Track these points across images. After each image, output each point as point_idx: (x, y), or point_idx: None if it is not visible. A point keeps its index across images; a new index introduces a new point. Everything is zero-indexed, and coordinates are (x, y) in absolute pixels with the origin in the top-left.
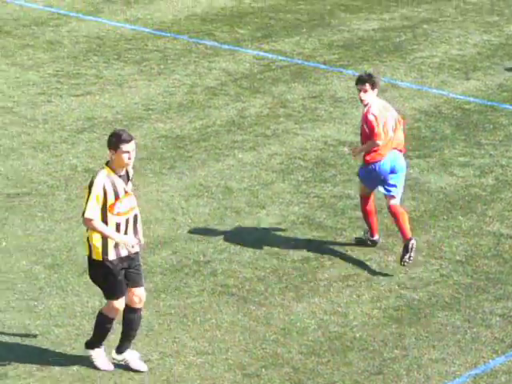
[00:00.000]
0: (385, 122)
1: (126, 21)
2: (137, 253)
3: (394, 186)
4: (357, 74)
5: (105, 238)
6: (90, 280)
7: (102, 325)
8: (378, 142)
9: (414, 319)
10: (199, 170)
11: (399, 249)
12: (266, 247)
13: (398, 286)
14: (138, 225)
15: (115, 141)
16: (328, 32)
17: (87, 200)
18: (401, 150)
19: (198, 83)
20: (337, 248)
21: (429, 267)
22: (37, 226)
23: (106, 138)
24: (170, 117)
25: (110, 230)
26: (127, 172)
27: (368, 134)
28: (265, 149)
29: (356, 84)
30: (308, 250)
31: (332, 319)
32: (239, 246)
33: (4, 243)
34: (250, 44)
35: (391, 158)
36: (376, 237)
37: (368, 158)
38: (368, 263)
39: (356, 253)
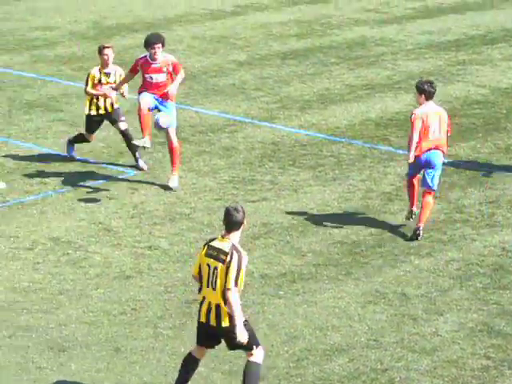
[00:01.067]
0: None
1: (300, 126)
2: None
3: None
4: None
5: None
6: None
7: (258, 373)
8: None
9: None
10: (375, 276)
11: None
12: (444, 355)
13: None
14: None
15: None
16: (504, 136)
17: (237, 272)
18: None
19: (373, 188)
20: None
21: None
22: None
23: (282, 243)
24: (345, 222)
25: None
26: None
27: None
28: (441, 254)
29: None
30: (487, 359)
31: None
32: (417, 354)
33: None
34: None
35: None
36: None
37: None
38: None
39: None
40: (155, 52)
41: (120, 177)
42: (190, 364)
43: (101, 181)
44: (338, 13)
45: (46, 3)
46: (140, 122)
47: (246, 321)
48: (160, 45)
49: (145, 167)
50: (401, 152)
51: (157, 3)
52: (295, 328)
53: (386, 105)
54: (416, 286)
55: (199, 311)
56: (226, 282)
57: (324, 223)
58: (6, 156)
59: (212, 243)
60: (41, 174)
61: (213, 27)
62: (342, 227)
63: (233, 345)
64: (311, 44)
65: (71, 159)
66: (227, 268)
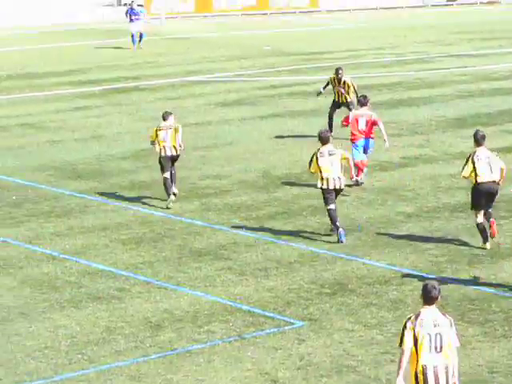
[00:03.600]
0: None
1: (468, 280)
2: None
3: None
4: None
5: None
6: None
7: None
8: None
9: None
10: None
11: None
12: None
13: None
14: None
15: None
16: None
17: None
18: None
19: None
20: None
21: None
22: None
23: None
24: None
25: None
26: None
27: None
28: None
29: None
30: None
31: None
32: None
33: None
34: None
35: None
36: None
37: None
38: None
39: None
40: None
41: (287, 328)
42: None
43: (267, 330)
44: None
45: (218, 152)
46: None
47: None
48: None
49: None
50: None
51: None
52: None
53: None
54: None
55: None
56: None
57: (492, 380)
58: (174, 304)
59: None
60: (208, 323)
61: (381, 178)
62: None
63: None
64: None
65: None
66: None
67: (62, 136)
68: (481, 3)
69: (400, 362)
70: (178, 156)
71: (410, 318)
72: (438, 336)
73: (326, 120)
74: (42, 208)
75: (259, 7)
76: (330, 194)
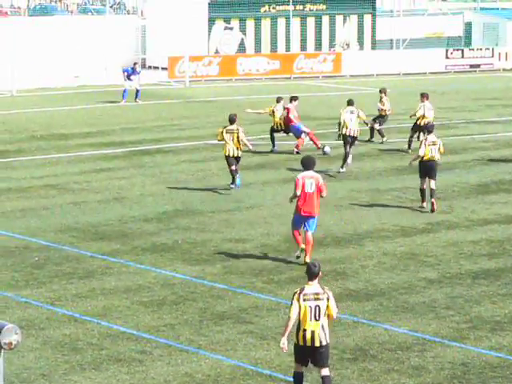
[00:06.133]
0: None
1: (491, 348)
2: None
3: None
4: None
5: None
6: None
7: None
8: None
9: None
10: None
11: None
12: None
13: None
14: None
15: None
16: None
17: None
18: None
19: None
20: None
21: None
22: None
23: None
24: None
25: None
26: None
27: None
28: None
29: None
30: None
31: None
32: None
33: None
34: None
35: None
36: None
37: None
38: None
39: None
40: None
41: None
42: None
43: None
44: None
45: (241, 216)
46: None
47: None
48: None
49: None
50: None
51: (347, 218)
52: None
53: None
54: None
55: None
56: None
57: None
58: (195, 367)
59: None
60: None
61: (403, 244)
62: None
63: None
64: (503, 264)
65: None
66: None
67: (85, 197)
68: (504, 70)
69: (286, 326)
70: (239, 156)
71: (295, 292)
72: (317, 307)
73: (349, 186)
74: (64, 269)
75: (283, 71)
76: None
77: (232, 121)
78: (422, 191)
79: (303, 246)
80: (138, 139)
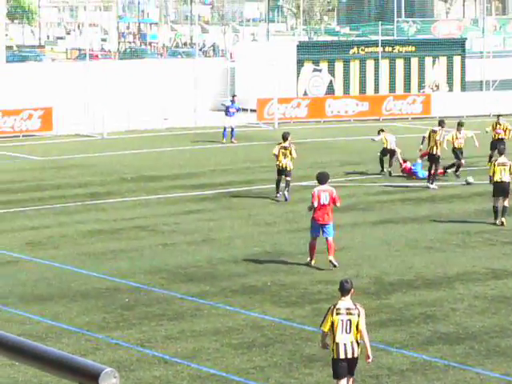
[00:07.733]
0: None
1: None
2: None
3: None
4: None
5: None
6: None
7: None
8: None
9: None
10: None
11: None
12: None
13: None
14: None
15: None
16: None
17: None
18: None
19: None
20: None
21: None
22: None
23: None
24: None
25: None
26: None
27: None
28: None
29: None
30: None
31: None
32: None
33: None
34: None
35: None
36: None
37: None
38: None
39: None
40: None
41: None
42: None
43: None
44: None
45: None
46: None
47: None
48: None
49: None
50: None
51: (438, 261)
52: None
53: None
54: None
55: None
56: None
57: None
58: None
59: None
60: None
61: (495, 287)
62: None
63: None
64: None
65: None
66: None
67: (174, 239)
68: None
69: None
70: (289, 171)
71: (329, 308)
72: (349, 321)
73: (440, 228)
74: (153, 311)
75: (372, 113)
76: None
77: (285, 139)
78: (495, 209)
79: (313, 262)
80: (227, 181)
